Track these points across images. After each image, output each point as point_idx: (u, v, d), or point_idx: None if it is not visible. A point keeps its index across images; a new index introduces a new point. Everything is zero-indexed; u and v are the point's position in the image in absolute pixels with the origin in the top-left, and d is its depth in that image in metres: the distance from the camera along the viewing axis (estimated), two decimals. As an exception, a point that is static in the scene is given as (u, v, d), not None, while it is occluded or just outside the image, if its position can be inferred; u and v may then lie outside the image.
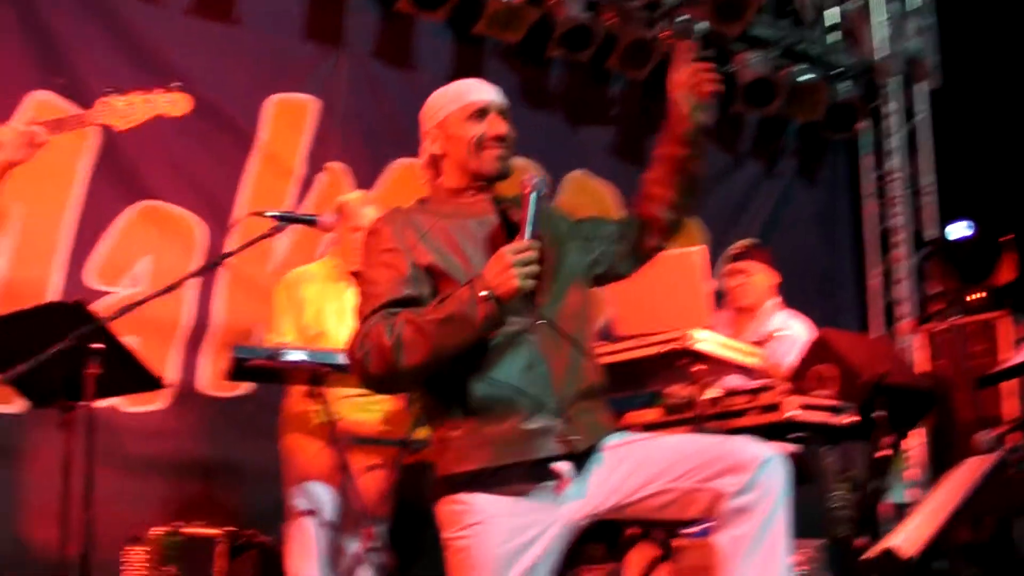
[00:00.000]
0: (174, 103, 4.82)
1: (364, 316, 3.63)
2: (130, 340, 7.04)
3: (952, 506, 5.27)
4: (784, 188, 10.62)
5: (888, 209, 10.82)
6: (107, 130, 6.80)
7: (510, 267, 3.42)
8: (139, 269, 7.49)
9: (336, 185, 8.09)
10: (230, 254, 4.43)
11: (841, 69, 10.58)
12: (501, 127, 3.83)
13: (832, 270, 10.91)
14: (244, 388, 7.55)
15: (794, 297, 9.39)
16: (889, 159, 10.85)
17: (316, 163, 8.21)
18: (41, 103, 7.11)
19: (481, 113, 3.84)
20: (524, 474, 3.59)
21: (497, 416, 3.60)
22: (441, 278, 3.66)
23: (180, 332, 7.61)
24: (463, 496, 3.61)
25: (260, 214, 4.69)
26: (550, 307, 3.72)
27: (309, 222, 4.78)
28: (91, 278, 7.36)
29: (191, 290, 7.64)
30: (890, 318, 10.65)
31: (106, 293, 7.32)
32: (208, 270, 4.52)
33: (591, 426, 3.68)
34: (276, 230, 4.59)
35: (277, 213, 4.63)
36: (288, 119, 8.17)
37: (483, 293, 3.43)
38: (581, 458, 3.64)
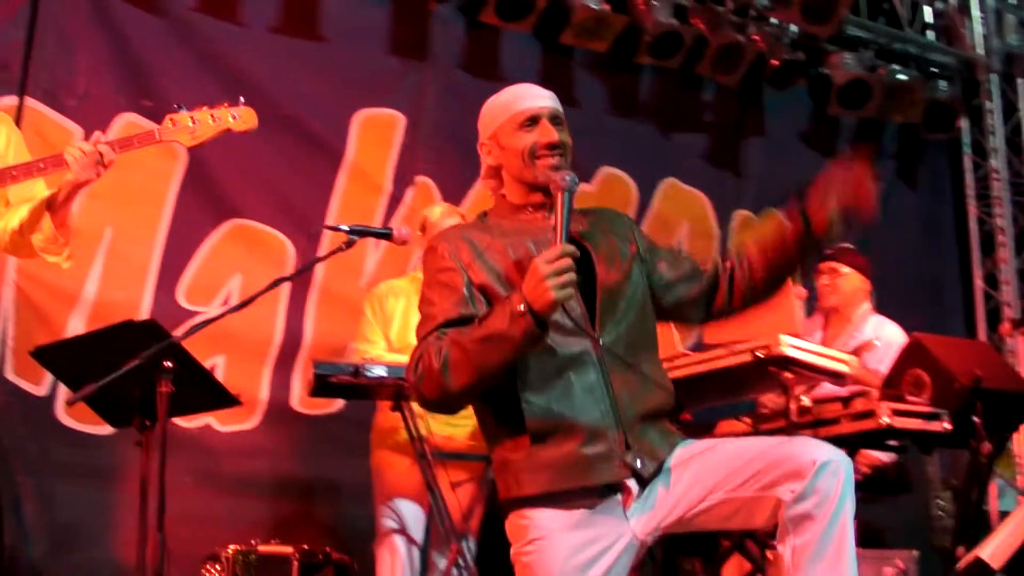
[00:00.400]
0: (241, 118, 4.79)
1: (421, 337, 3.58)
2: (220, 359, 7.19)
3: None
4: (884, 191, 10.35)
5: (991, 209, 10.56)
6: (195, 150, 6.94)
7: (544, 279, 3.30)
8: (229, 288, 7.47)
9: (426, 200, 8.02)
10: (303, 271, 4.38)
11: (938, 68, 10.36)
12: (552, 135, 3.71)
13: (937, 274, 10.67)
14: (337, 405, 7.53)
15: (898, 302, 9.23)
16: (991, 158, 10.59)
17: (405, 178, 8.17)
18: (129, 125, 7.12)
19: (532, 121, 3.74)
20: (587, 495, 3.51)
21: (555, 440, 3.52)
22: (496, 299, 3.57)
23: (272, 350, 7.59)
24: (527, 511, 3.54)
25: (334, 228, 4.63)
26: (612, 328, 3.64)
27: (384, 235, 4.72)
28: (182, 298, 7.36)
29: (282, 308, 7.64)
30: (995, 322, 10.37)
31: (197, 313, 7.30)
32: (277, 286, 4.42)
33: (654, 447, 3.57)
34: (348, 244, 4.53)
35: (349, 227, 4.56)
36: (375, 134, 8.14)
37: (520, 308, 3.34)
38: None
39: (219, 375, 7.29)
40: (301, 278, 7.60)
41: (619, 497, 3.51)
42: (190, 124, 4.75)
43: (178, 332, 4.46)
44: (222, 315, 4.48)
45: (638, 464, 3.50)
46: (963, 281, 10.73)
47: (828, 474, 3.26)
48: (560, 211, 3.46)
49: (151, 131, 4.79)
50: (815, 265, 7.42)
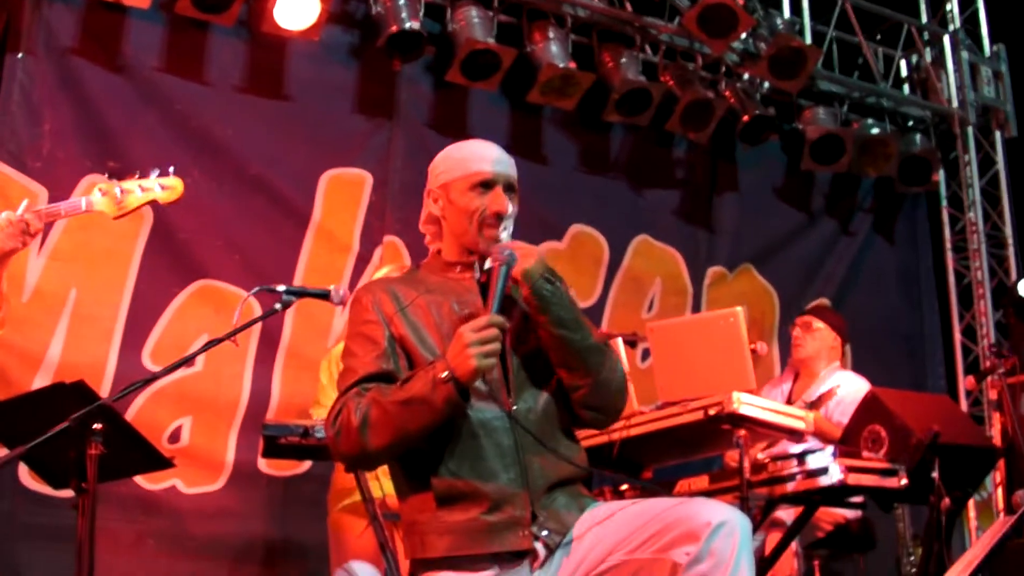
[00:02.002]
0: (168, 189, 4.80)
1: (341, 391, 3.54)
2: (186, 420, 7.15)
3: (971, 568, 5.02)
4: (861, 245, 10.37)
5: (970, 262, 10.55)
6: (160, 210, 6.95)
7: (467, 346, 3.29)
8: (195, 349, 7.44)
9: (394, 259, 8.02)
10: (232, 333, 4.31)
11: (913, 121, 10.38)
12: (503, 204, 3.65)
13: (916, 327, 10.64)
14: (304, 466, 7.49)
15: (878, 356, 9.25)
16: (968, 211, 10.59)
17: (372, 238, 8.15)
18: (92, 187, 7.12)
19: (486, 186, 3.67)
20: (492, 561, 3.45)
21: (461, 505, 3.47)
22: (415, 355, 3.56)
23: (239, 411, 7.55)
24: (433, 575, 3.49)
25: (271, 289, 4.60)
26: (527, 397, 3.60)
27: (321, 295, 4.68)
28: (148, 360, 7.33)
29: (249, 369, 7.61)
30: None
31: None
32: (208, 348, 4.38)
33: (561, 514, 3.51)
34: (284, 305, 4.49)
35: (285, 288, 4.54)
36: (343, 194, 8.13)
37: (443, 375, 3.32)
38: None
39: (185, 436, 7.30)
40: (268, 340, 7.61)
41: (526, 562, 3.46)
42: (118, 195, 4.75)
43: (107, 395, 4.44)
44: (154, 378, 4.44)
45: (543, 534, 3.45)
46: (943, 333, 10.68)
47: (723, 535, 3.17)
48: (495, 284, 3.44)
49: (77, 202, 4.80)
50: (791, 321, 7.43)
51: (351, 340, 3.65)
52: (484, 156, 3.76)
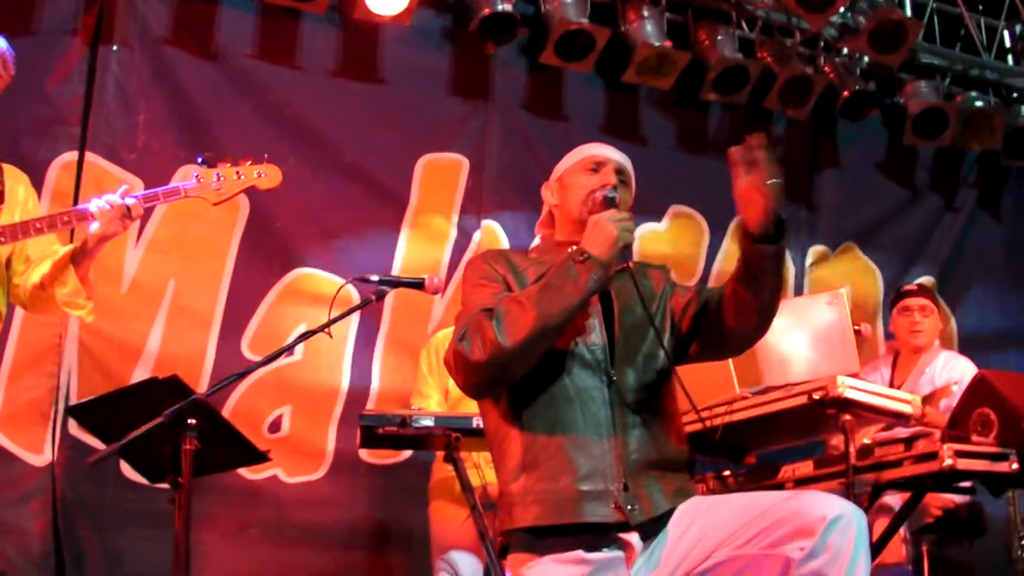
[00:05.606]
0: (266, 175, 4.76)
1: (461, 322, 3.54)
2: (286, 409, 7.15)
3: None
4: (965, 221, 10.13)
5: (1078, 236, 10.29)
6: (256, 199, 6.94)
7: (606, 221, 3.41)
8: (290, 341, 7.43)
9: (493, 244, 7.97)
10: (326, 325, 4.29)
11: (1017, 93, 10.14)
12: (611, 178, 3.74)
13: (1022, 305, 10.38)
14: (404, 455, 7.45)
15: (984, 335, 9.06)
16: (1076, 183, 10.31)
17: (470, 223, 8.10)
18: (189, 176, 7.13)
19: (597, 166, 3.80)
20: (582, 540, 3.40)
21: (551, 473, 3.44)
22: None
23: (340, 400, 7.54)
24: (524, 557, 3.45)
25: (365, 279, 4.57)
26: (629, 370, 3.57)
27: (415, 285, 4.63)
28: (246, 350, 7.34)
29: (348, 358, 7.60)
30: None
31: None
32: (302, 340, 4.37)
33: (656, 496, 3.46)
34: (378, 296, 4.46)
35: (379, 278, 4.50)
36: (439, 179, 8.07)
37: (580, 256, 3.37)
38: (650, 528, 3.43)
39: (285, 425, 7.30)
40: (368, 328, 7.59)
41: (622, 555, 3.40)
42: (215, 181, 4.72)
43: (207, 385, 4.42)
44: (248, 372, 4.42)
45: (629, 508, 3.39)
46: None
47: (839, 530, 3.11)
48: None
49: (177, 187, 4.76)
50: (896, 301, 7.25)
51: (467, 293, 3.69)
52: (598, 146, 3.93)
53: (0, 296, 4.68)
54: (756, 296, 3.50)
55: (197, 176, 4.75)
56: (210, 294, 7.35)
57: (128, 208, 4.53)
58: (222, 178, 4.73)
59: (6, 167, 4.81)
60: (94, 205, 4.54)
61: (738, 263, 3.51)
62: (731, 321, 3.60)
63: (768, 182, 3.32)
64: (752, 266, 3.45)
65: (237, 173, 4.74)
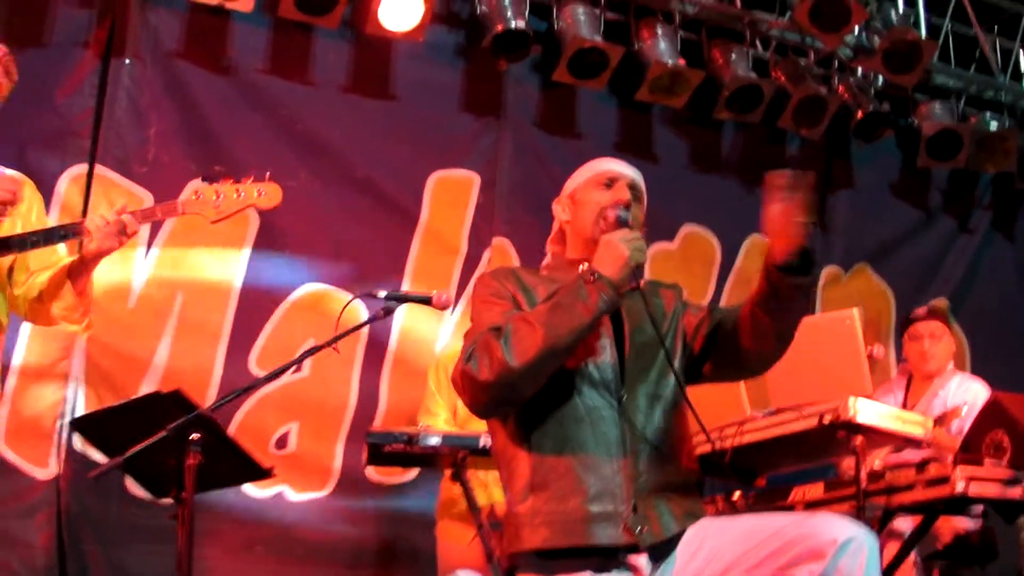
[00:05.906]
0: (266, 194, 4.71)
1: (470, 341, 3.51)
2: (294, 425, 7.11)
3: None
4: (979, 243, 10.09)
5: (1093, 260, 10.24)
6: (265, 215, 6.92)
7: (617, 241, 3.39)
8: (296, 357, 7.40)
9: (503, 261, 7.94)
10: (333, 341, 4.25)
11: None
12: (625, 194, 3.71)
13: (1039, 328, 10.33)
14: (411, 474, 7.42)
15: (999, 358, 9.00)
16: (1091, 207, 10.26)
17: (481, 240, 8.06)
18: (199, 190, 7.12)
19: (610, 182, 3.76)
20: (590, 562, 3.36)
21: (559, 494, 3.40)
22: None
23: (347, 417, 7.50)
24: None
25: (372, 295, 4.53)
26: (639, 389, 3.54)
27: (423, 301, 4.59)
28: (254, 365, 7.30)
29: (356, 375, 7.57)
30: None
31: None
32: (308, 356, 4.33)
33: (666, 518, 3.41)
34: (387, 312, 4.42)
35: (387, 294, 4.46)
36: (450, 196, 8.05)
37: (591, 276, 3.36)
38: (659, 551, 3.38)
39: (292, 442, 7.27)
40: (376, 344, 7.56)
41: None
42: (214, 198, 4.67)
43: (214, 400, 4.38)
44: (253, 387, 4.38)
45: (638, 530, 3.35)
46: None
47: (850, 553, 3.07)
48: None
49: (174, 203, 4.71)
50: (906, 326, 7.19)
51: (476, 310, 3.64)
52: (610, 161, 3.89)
53: (0, 307, 4.64)
54: (778, 321, 3.49)
55: (196, 192, 4.70)
56: (219, 309, 7.32)
57: (124, 224, 4.48)
58: (221, 196, 4.67)
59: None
60: (91, 221, 4.50)
61: (760, 287, 3.47)
62: (748, 343, 3.57)
63: (803, 220, 3.30)
64: (780, 293, 3.42)
65: (237, 191, 4.68)
